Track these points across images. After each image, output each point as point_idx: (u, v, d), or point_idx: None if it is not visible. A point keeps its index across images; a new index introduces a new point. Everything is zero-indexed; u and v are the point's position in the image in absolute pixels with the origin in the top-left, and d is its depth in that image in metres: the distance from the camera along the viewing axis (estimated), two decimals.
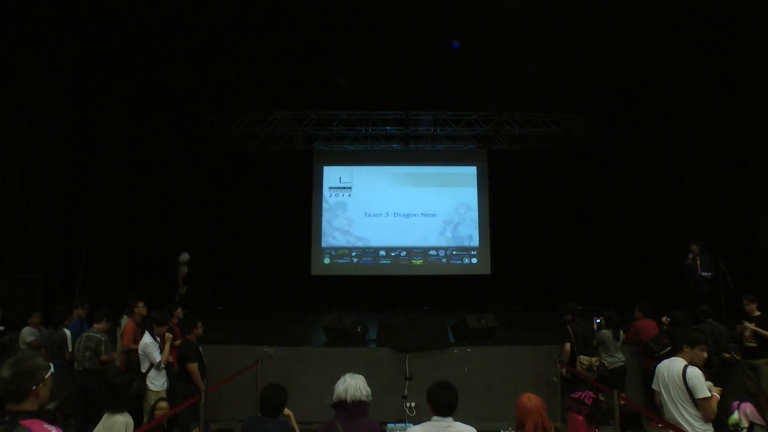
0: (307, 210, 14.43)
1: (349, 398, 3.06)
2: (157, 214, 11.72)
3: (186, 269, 10.96)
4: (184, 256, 11.17)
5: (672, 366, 3.81)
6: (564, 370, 6.56)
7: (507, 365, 7.15)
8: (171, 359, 6.21)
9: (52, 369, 2.51)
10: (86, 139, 9.75)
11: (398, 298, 13.58)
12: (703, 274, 8.22)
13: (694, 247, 8.47)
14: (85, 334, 6.22)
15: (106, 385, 4.26)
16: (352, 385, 3.10)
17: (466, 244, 14.37)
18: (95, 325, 6.29)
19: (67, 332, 6.38)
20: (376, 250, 14.33)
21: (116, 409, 4.02)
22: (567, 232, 14.16)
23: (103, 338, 6.16)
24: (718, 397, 3.87)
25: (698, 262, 8.34)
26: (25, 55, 8.48)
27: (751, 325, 6.35)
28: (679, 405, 3.69)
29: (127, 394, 4.16)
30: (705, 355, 3.78)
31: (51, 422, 2.21)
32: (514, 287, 13.99)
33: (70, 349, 6.27)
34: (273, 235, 14.16)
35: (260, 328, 9.92)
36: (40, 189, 8.52)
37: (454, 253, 14.31)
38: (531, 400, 3.20)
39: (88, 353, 6.07)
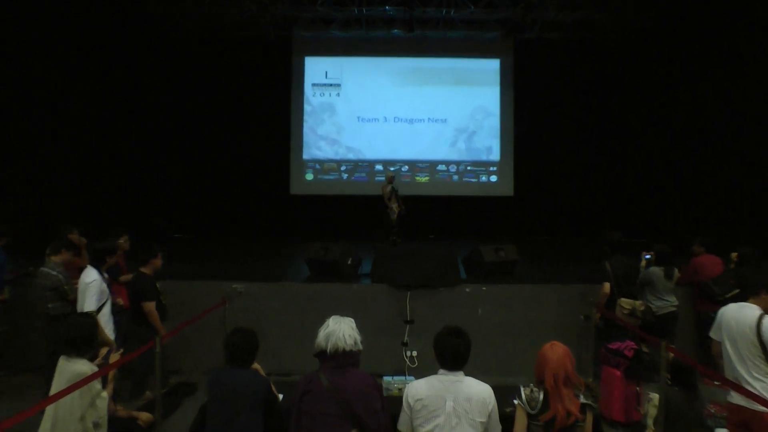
0: (284, 114, 14.19)
1: (329, 348, 3.09)
2: (94, 120, 11.50)
3: (390, 189, 11.13)
4: (390, 172, 12.09)
5: (742, 313, 3.74)
6: (598, 316, 6.66)
7: (530, 307, 7.21)
8: (122, 301, 6.24)
9: None
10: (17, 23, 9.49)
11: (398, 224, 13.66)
12: None
13: None
14: (40, 270, 5.99)
15: (65, 326, 4.18)
16: (335, 332, 3.12)
17: (483, 158, 14.28)
18: (52, 258, 6.02)
19: None
20: (371, 163, 14.25)
21: (77, 353, 4.01)
22: (611, 145, 14.00)
23: (62, 276, 5.92)
24: None
25: None
26: None
27: None
28: (747, 360, 3.67)
29: (92, 336, 4.13)
30: None
31: None
32: (542, 212, 14.06)
33: None
34: (242, 145, 14.00)
35: (228, 261, 10.00)
36: None
37: (469, 168, 14.25)
38: (555, 349, 3.18)
39: (48, 293, 5.87)
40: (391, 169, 13.88)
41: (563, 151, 14.08)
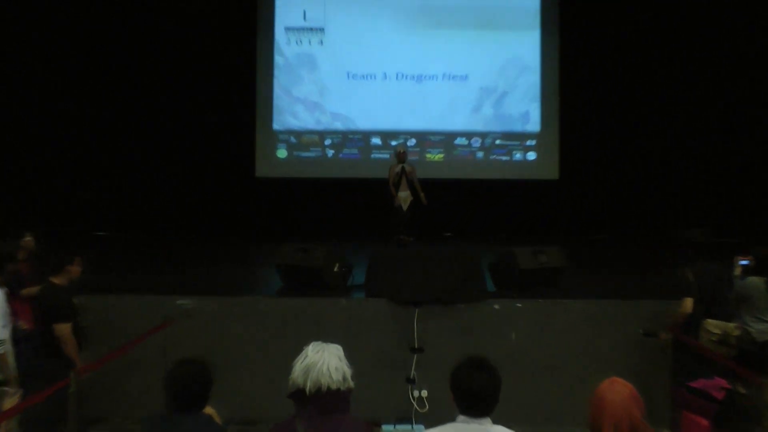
0: (248, 69, 14.20)
1: (309, 386, 3.04)
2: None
3: (400, 170, 11.20)
4: (400, 147, 12.17)
5: None
6: (665, 336, 6.64)
7: (581, 331, 7.17)
8: (25, 324, 6.19)
9: None
10: None
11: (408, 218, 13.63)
12: None
13: None
14: None
15: None
16: (317, 365, 3.06)
17: (518, 128, 14.25)
18: None
19: None
20: (366, 135, 14.25)
21: None
22: (692, 112, 13.97)
23: None
24: None
25: None
26: None
27: None
28: None
29: None
30: None
31: None
32: (597, 202, 14.06)
33: None
34: (190, 112, 14.00)
35: (172, 267, 10.01)
36: None
37: (498, 142, 14.24)
38: (616, 388, 3.13)
39: None
40: (393, 143, 13.86)
41: (627, 120, 14.04)
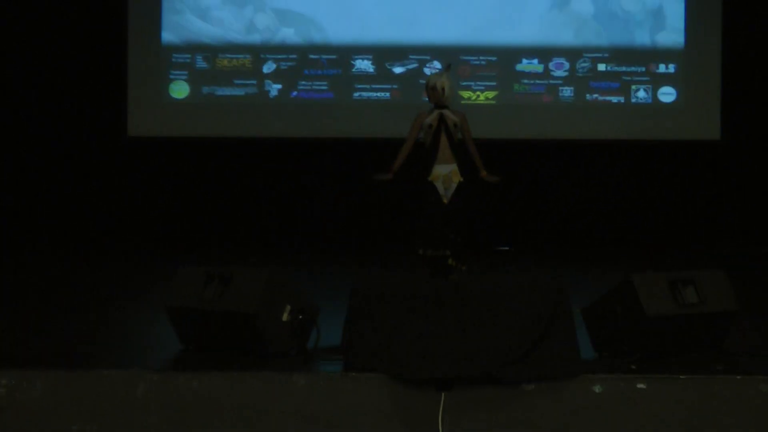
0: None
1: None
2: None
3: (436, 118, 10.69)
4: (435, 77, 11.38)
5: None
6: None
7: None
8: None
9: None
10: None
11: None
12: None
13: None
14: None
15: None
16: None
17: (642, 41, 14.30)
18: None
19: None
20: (346, 55, 14.35)
21: None
22: None
23: None
24: None
25: None
26: None
27: None
28: None
29: None
30: None
31: None
32: None
33: None
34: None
35: None
36: None
37: (604, 69, 14.26)
38: None
39: None
40: (398, 70, 13.78)
41: None
